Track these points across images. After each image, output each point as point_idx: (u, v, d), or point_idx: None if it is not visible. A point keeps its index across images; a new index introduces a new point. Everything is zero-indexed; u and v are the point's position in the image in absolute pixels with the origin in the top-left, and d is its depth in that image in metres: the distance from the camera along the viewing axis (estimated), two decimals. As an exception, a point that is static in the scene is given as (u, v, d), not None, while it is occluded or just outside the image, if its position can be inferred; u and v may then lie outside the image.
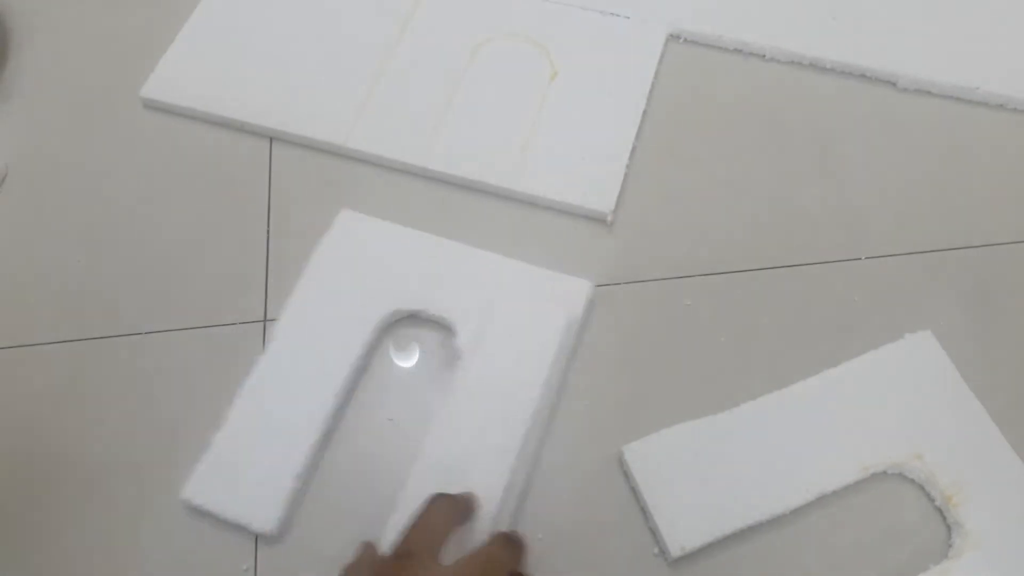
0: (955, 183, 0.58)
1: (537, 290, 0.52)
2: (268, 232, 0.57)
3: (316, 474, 0.48)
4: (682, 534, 0.45)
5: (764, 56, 0.63)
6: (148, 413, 0.51)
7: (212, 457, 0.47)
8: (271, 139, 0.60)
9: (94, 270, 0.56)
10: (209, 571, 0.46)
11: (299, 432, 0.48)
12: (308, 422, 0.48)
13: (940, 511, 0.47)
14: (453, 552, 0.39)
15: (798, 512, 0.46)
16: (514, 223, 0.56)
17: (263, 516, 0.46)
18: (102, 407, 0.51)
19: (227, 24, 0.65)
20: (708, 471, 0.46)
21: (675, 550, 0.44)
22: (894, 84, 0.62)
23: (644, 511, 0.46)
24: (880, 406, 0.49)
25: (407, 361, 0.52)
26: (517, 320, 0.50)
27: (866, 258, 0.55)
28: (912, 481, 0.47)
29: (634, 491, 0.47)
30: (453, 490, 0.42)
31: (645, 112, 0.60)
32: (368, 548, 0.40)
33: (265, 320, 0.53)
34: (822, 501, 0.46)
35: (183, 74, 0.62)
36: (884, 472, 0.47)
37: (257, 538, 0.46)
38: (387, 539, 0.43)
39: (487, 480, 0.45)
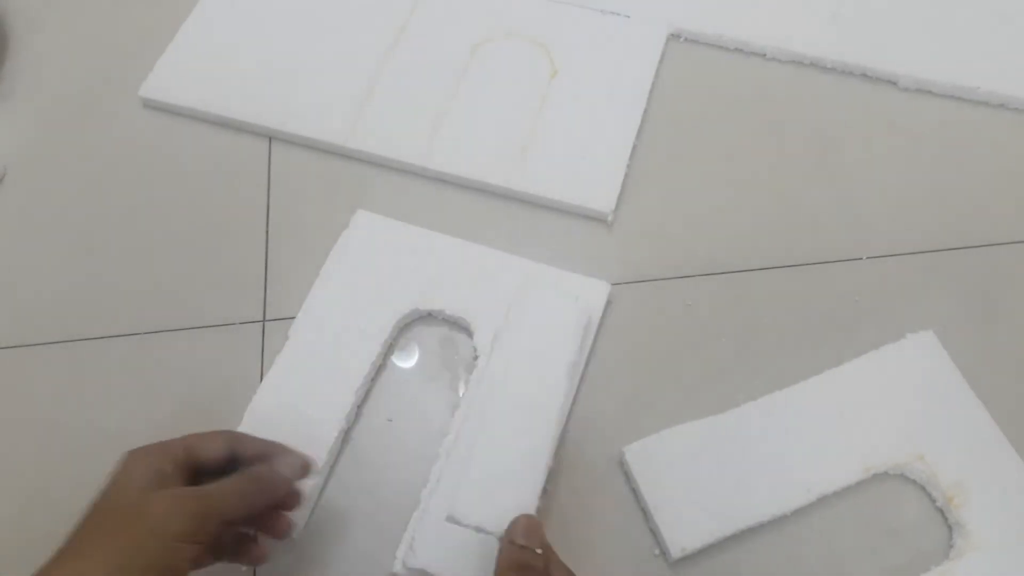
0: (956, 183, 0.58)
1: (555, 290, 0.51)
2: (267, 232, 0.56)
3: (333, 473, 0.48)
4: (683, 535, 0.45)
5: (765, 56, 0.63)
6: (148, 413, 0.50)
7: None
8: (270, 139, 0.60)
9: (94, 270, 0.55)
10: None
11: (318, 430, 0.48)
12: (327, 421, 0.48)
13: (941, 512, 0.47)
14: None
15: (799, 513, 0.46)
16: (514, 223, 0.56)
17: None
18: (102, 407, 0.51)
19: (226, 23, 0.65)
20: (709, 472, 0.46)
21: (676, 551, 0.44)
22: (895, 84, 0.62)
23: (645, 512, 0.46)
24: (882, 406, 0.49)
25: (413, 361, 0.52)
26: (539, 320, 0.49)
27: (867, 258, 0.55)
28: (913, 482, 0.47)
29: (635, 492, 0.47)
30: (488, 494, 0.42)
31: (646, 112, 0.60)
32: None
33: (264, 320, 0.53)
34: (823, 502, 0.46)
35: (182, 74, 0.62)
36: (885, 473, 0.47)
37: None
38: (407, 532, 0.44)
39: (521, 486, 0.44)
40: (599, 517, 0.47)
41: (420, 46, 0.63)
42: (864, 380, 0.49)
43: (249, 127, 0.60)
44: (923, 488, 0.47)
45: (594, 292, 0.52)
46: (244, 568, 0.46)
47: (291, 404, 0.49)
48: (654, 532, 0.46)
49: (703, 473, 0.46)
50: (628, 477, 0.47)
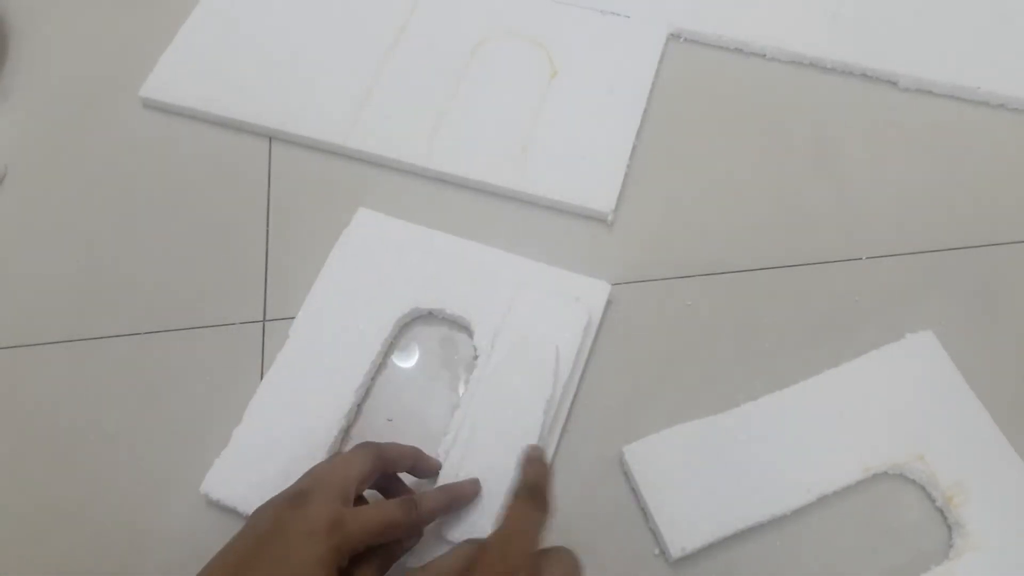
0: (955, 183, 0.58)
1: (556, 290, 0.52)
2: (267, 232, 0.56)
3: None
4: (683, 535, 0.45)
5: (765, 56, 0.63)
6: (148, 413, 0.50)
7: (231, 453, 0.47)
8: (270, 139, 0.60)
9: (94, 270, 0.56)
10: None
11: (320, 428, 0.48)
12: (327, 420, 0.48)
13: (941, 512, 0.47)
14: None
15: (799, 513, 0.46)
16: (514, 223, 0.56)
17: None
18: (102, 407, 0.51)
19: (226, 23, 0.65)
20: (709, 471, 0.46)
21: (676, 551, 0.44)
22: (895, 84, 0.62)
23: (644, 512, 0.46)
24: (881, 406, 0.49)
25: (413, 361, 0.52)
26: (539, 318, 0.50)
27: (867, 258, 0.55)
28: (913, 482, 0.47)
29: (634, 492, 0.47)
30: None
31: (645, 112, 0.60)
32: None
33: (264, 320, 0.53)
34: (823, 502, 0.46)
35: (182, 74, 0.62)
36: (885, 473, 0.47)
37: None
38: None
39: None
40: (599, 517, 0.47)
41: (420, 46, 0.63)
42: (864, 380, 0.49)
43: (249, 127, 0.60)
44: (923, 488, 0.47)
45: (594, 292, 0.52)
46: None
47: (291, 403, 0.49)
48: (654, 532, 0.46)
49: (703, 473, 0.46)
50: (628, 477, 0.47)
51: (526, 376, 0.48)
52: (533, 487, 0.38)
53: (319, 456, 0.47)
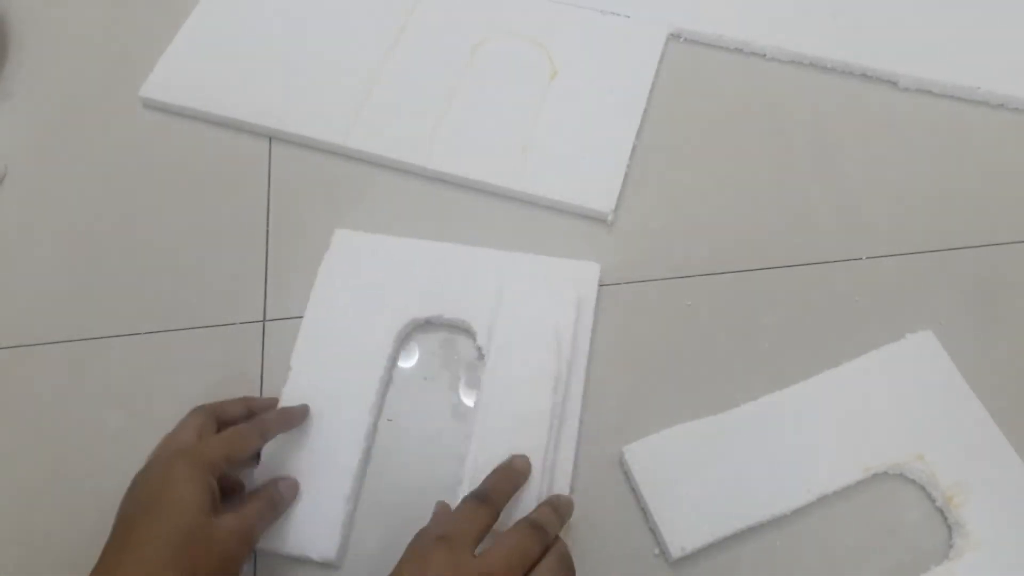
0: (955, 182, 0.58)
1: (545, 276, 0.52)
2: (267, 231, 0.56)
3: (361, 492, 0.48)
4: (683, 535, 0.45)
5: (765, 55, 0.63)
6: (148, 413, 0.50)
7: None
8: (270, 138, 0.60)
9: (94, 270, 0.55)
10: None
11: (341, 454, 0.47)
12: (348, 443, 0.48)
13: (941, 511, 0.47)
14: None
15: (799, 513, 0.46)
16: (514, 223, 0.56)
17: (322, 545, 0.45)
18: (102, 407, 0.51)
19: (226, 23, 0.65)
20: (709, 471, 0.46)
21: (676, 551, 0.44)
22: (895, 83, 0.62)
23: (644, 511, 0.46)
24: (881, 406, 0.49)
25: (411, 361, 0.52)
26: (530, 304, 0.50)
27: (867, 258, 0.55)
28: (913, 482, 0.47)
29: (634, 491, 0.47)
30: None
31: (645, 111, 0.60)
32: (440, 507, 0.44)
33: (264, 320, 0.53)
34: (823, 501, 0.46)
35: (182, 74, 0.62)
36: (885, 472, 0.47)
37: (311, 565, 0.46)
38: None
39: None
40: (599, 517, 0.47)
41: (420, 46, 0.63)
42: (864, 380, 0.49)
43: (249, 127, 0.60)
44: (923, 488, 0.47)
45: (585, 273, 0.53)
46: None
47: (306, 436, 0.48)
48: (654, 532, 0.46)
49: (703, 473, 0.46)
50: (628, 476, 0.47)
51: (528, 360, 0.48)
52: (480, 494, 0.41)
53: (347, 483, 0.46)
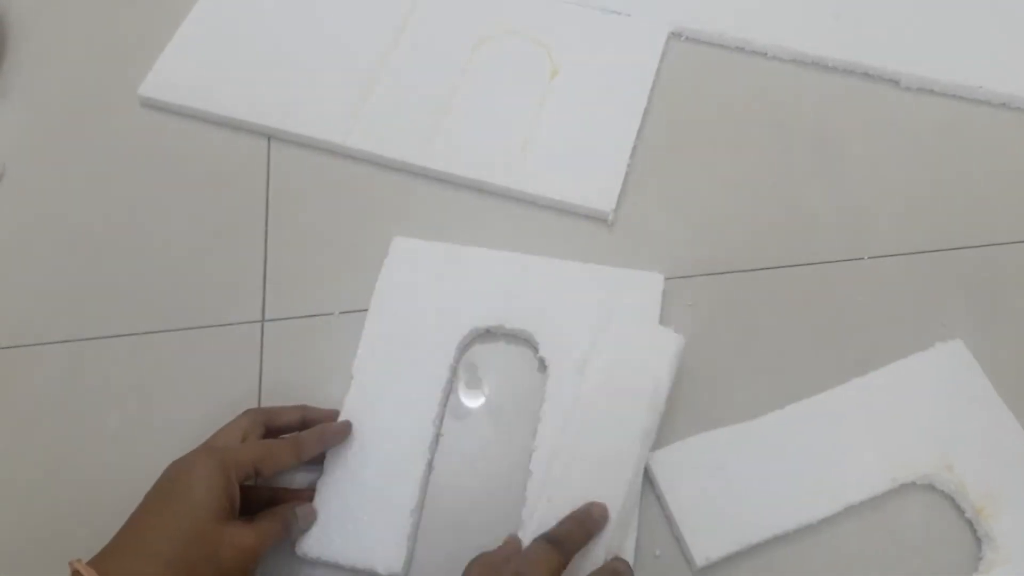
0: (957, 182, 0.58)
1: (615, 291, 0.52)
2: (266, 231, 0.56)
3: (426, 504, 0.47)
4: (707, 543, 0.44)
5: (766, 54, 0.63)
6: (147, 413, 0.50)
7: (321, 503, 0.46)
8: (269, 138, 0.60)
9: (92, 269, 0.55)
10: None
11: (406, 466, 0.47)
12: (413, 454, 0.47)
13: (970, 523, 0.46)
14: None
15: (825, 523, 0.45)
16: (514, 223, 0.56)
17: (388, 557, 0.44)
18: (102, 407, 0.51)
19: (225, 22, 0.64)
20: (734, 480, 0.46)
21: (700, 559, 0.44)
22: (897, 83, 0.61)
23: (669, 519, 0.46)
24: (909, 416, 0.48)
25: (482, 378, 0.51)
26: (634, 346, 0.48)
27: (868, 258, 0.55)
28: (942, 492, 0.47)
29: (659, 499, 0.47)
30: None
31: (646, 111, 0.60)
32: (508, 547, 0.43)
33: (263, 320, 0.53)
34: (849, 512, 0.46)
35: (181, 73, 0.62)
36: (913, 483, 0.47)
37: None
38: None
39: (607, 498, 0.44)
40: None
41: (420, 45, 0.63)
42: (892, 389, 0.49)
43: (248, 126, 0.60)
44: (951, 499, 0.46)
45: (648, 284, 0.52)
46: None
47: (372, 446, 0.47)
48: (678, 540, 0.45)
49: (728, 481, 0.46)
50: (652, 484, 0.47)
51: (621, 404, 0.46)
52: (555, 539, 0.41)
53: (413, 495, 0.46)
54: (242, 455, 0.41)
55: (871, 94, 0.61)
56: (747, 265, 0.54)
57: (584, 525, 0.42)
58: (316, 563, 0.45)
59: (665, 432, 0.48)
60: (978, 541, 0.45)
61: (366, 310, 0.52)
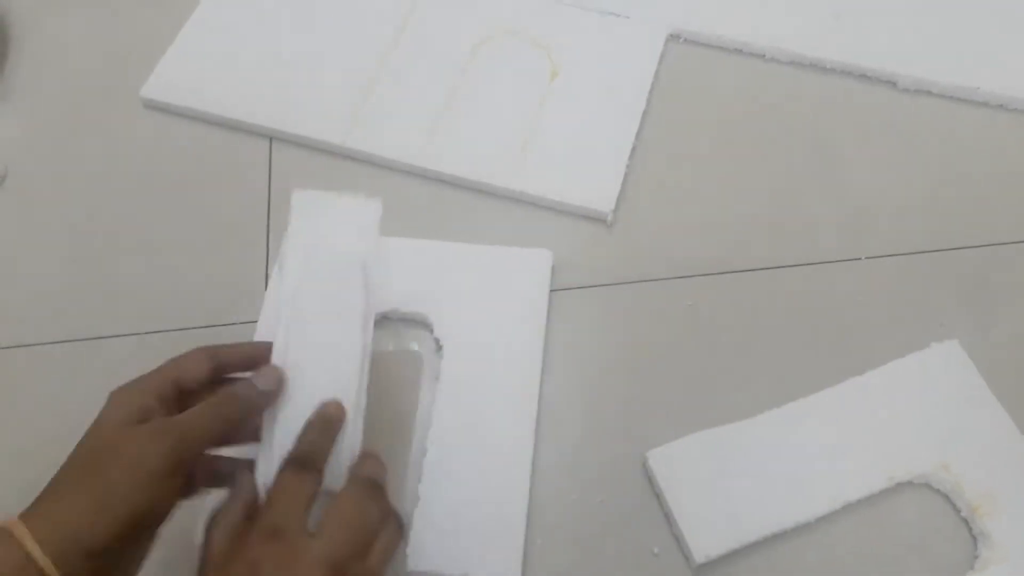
0: (954, 183, 0.58)
1: (497, 266, 0.53)
2: (268, 232, 0.56)
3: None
4: (707, 541, 0.44)
5: (764, 56, 0.63)
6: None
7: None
8: (271, 139, 0.60)
9: (93, 270, 0.56)
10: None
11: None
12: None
13: (966, 522, 0.46)
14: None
15: (822, 521, 0.45)
16: (514, 223, 0.56)
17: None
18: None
19: (227, 24, 0.65)
20: (733, 477, 0.46)
21: (700, 557, 0.44)
22: (894, 84, 0.62)
23: (668, 517, 0.46)
24: (906, 415, 0.48)
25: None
26: (333, 237, 0.44)
27: (866, 258, 0.55)
28: (938, 491, 0.47)
29: (658, 497, 0.47)
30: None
31: (645, 112, 0.60)
32: (243, 494, 0.36)
33: (265, 320, 0.53)
34: (847, 510, 0.46)
35: (183, 74, 0.62)
36: (910, 482, 0.47)
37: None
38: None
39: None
40: (621, 522, 0.46)
41: (420, 46, 0.63)
42: (888, 388, 0.49)
43: (250, 127, 0.60)
44: (947, 498, 0.46)
45: (535, 262, 0.53)
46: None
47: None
48: (677, 538, 0.45)
49: (727, 479, 0.46)
50: (651, 482, 0.47)
51: (331, 295, 0.42)
52: (300, 458, 0.36)
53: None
54: (150, 376, 0.37)
55: (869, 95, 0.62)
56: (746, 265, 0.55)
57: (325, 429, 0.37)
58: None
59: (664, 430, 0.48)
60: (974, 539, 0.46)
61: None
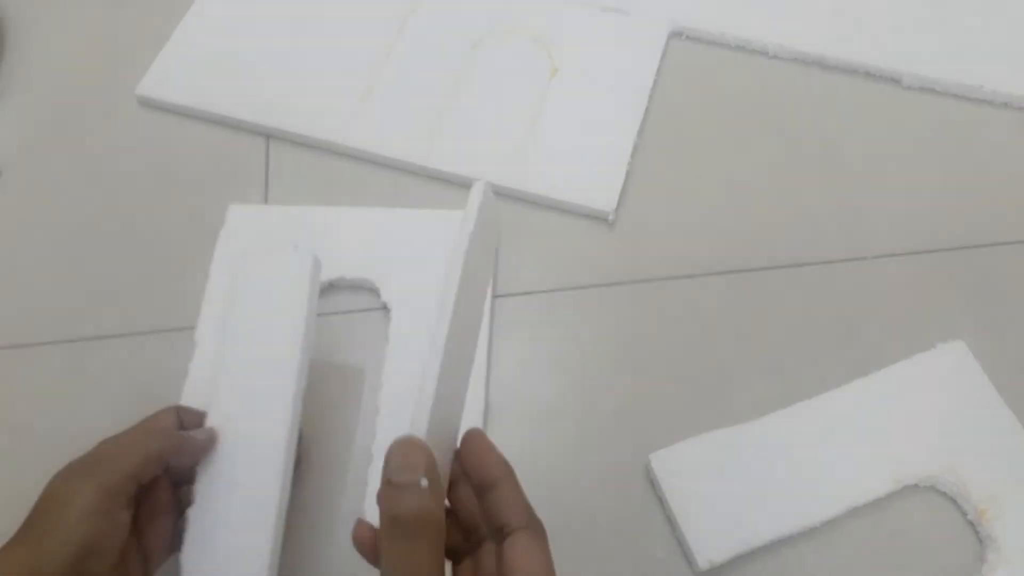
0: (959, 181, 0.57)
1: (440, 229, 0.54)
2: (266, 232, 0.56)
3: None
4: (710, 546, 0.44)
5: (767, 53, 0.63)
6: (143, 415, 0.50)
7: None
8: (268, 137, 0.60)
9: (91, 269, 0.55)
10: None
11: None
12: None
13: (973, 525, 0.46)
14: None
15: (828, 524, 0.45)
16: (515, 223, 0.56)
17: None
18: (100, 408, 0.50)
19: (224, 21, 0.64)
20: (738, 481, 0.46)
21: (703, 562, 0.43)
22: (898, 82, 0.61)
23: (671, 521, 0.45)
24: (912, 417, 0.48)
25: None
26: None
27: (871, 257, 0.54)
28: (944, 494, 0.46)
29: (661, 501, 0.46)
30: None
31: (647, 110, 0.59)
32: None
33: (263, 321, 0.53)
34: (852, 513, 0.45)
35: (179, 72, 0.62)
36: (916, 485, 0.46)
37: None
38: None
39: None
40: (624, 526, 0.46)
41: (420, 44, 0.63)
42: (894, 390, 0.49)
43: (247, 125, 0.60)
44: (954, 501, 0.46)
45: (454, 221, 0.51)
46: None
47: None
48: (681, 542, 0.45)
49: (731, 482, 0.46)
50: (654, 485, 0.46)
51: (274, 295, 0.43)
52: (400, 521, 0.29)
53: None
54: (119, 456, 0.38)
55: (873, 93, 0.61)
56: (748, 265, 0.54)
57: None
58: None
59: (666, 432, 0.47)
60: (981, 543, 0.45)
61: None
